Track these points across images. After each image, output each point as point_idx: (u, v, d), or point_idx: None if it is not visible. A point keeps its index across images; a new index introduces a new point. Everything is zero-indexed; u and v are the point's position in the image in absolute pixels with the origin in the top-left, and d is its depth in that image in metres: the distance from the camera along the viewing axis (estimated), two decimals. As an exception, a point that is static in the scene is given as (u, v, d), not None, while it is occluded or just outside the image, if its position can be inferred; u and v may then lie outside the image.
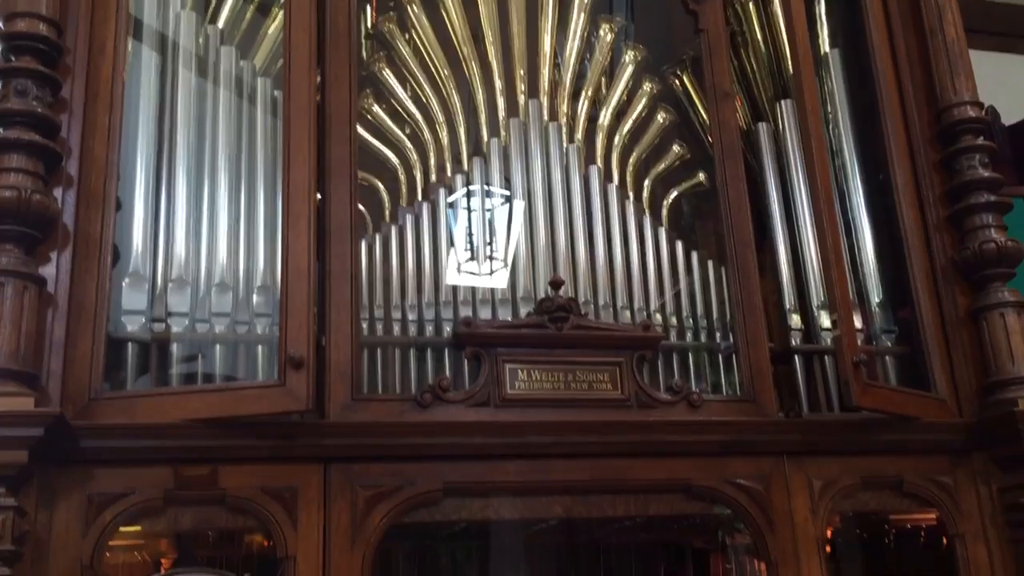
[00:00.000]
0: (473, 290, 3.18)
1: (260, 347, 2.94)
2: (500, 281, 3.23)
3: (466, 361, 3.04)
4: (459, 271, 3.20)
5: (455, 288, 3.18)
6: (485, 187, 3.31)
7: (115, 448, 2.63)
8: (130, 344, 2.82)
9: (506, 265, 3.25)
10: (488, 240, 3.27)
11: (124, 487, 2.64)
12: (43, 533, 2.54)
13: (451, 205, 3.28)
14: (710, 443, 3.10)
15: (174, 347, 2.87)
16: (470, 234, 3.26)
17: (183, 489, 2.68)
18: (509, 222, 3.32)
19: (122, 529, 2.67)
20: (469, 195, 3.30)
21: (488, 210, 3.30)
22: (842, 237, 3.34)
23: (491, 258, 3.24)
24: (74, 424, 2.57)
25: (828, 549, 3.27)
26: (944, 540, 3.39)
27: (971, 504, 3.26)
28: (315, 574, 2.70)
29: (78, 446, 2.59)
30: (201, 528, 2.88)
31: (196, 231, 2.98)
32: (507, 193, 3.34)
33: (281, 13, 3.04)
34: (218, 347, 2.91)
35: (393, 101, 3.49)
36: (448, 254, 3.21)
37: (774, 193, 3.60)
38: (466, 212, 3.28)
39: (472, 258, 3.23)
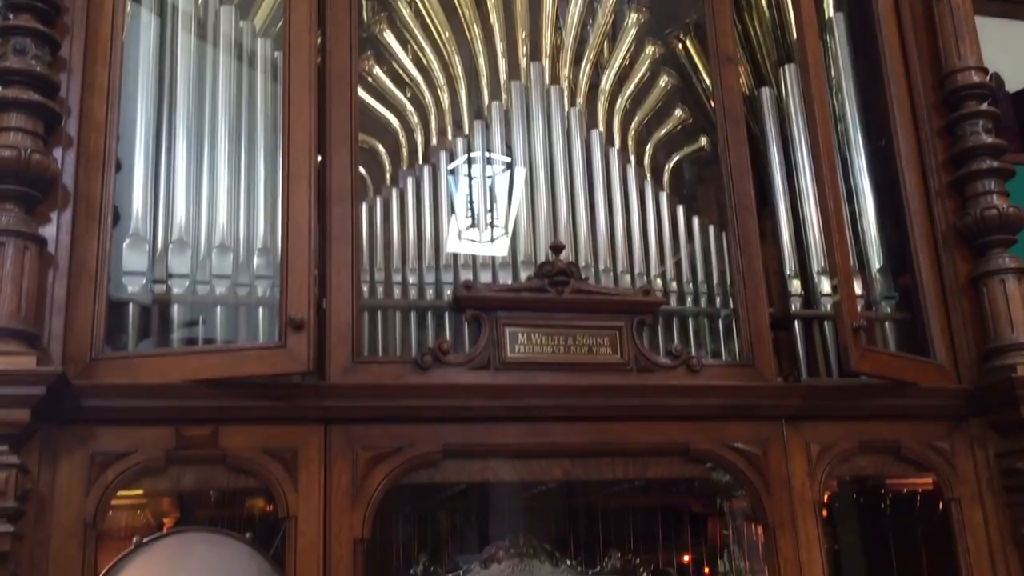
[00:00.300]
0: (474, 254, 3.17)
1: (261, 309, 2.95)
2: (500, 245, 3.23)
3: (466, 324, 3.05)
4: (460, 238, 3.20)
5: (459, 232, 3.17)
6: (486, 152, 3.30)
7: (117, 408, 2.64)
8: (131, 305, 2.83)
9: (507, 230, 3.25)
10: (489, 206, 3.26)
11: (126, 446, 2.66)
12: (46, 491, 2.56)
13: (452, 172, 3.27)
14: (709, 407, 3.11)
15: (175, 309, 2.88)
16: (471, 200, 3.25)
17: (185, 449, 2.70)
18: (510, 187, 3.31)
19: (123, 490, 2.68)
20: (470, 161, 3.29)
21: (489, 176, 3.29)
22: (843, 203, 3.34)
23: (491, 224, 3.23)
24: (76, 384, 2.59)
25: (825, 513, 3.30)
26: (940, 505, 3.42)
27: (968, 469, 3.29)
28: (316, 534, 2.73)
29: (80, 405, 2.60)
30: (203, 488, 2.90)
31: (196, 193, 2.97)
32: (508, 159, 3.33)
33: (281, -27, 3.02)
34: (219, 309, 2.92)
35: (394, 63, 3.47)
36: (449, 219, 3.20)
37: (776, 158, 3.59)
38: (467, 178, 3.27)
39: (473, 224, 3.22)
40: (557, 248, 3.13)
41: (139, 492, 2.99)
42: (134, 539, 2.81)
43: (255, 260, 2.97)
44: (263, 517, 3.20)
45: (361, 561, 2.75)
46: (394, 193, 3.19)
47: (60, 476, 2.59)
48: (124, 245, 2.85)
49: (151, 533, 2.90)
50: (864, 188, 3.62)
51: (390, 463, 2.84)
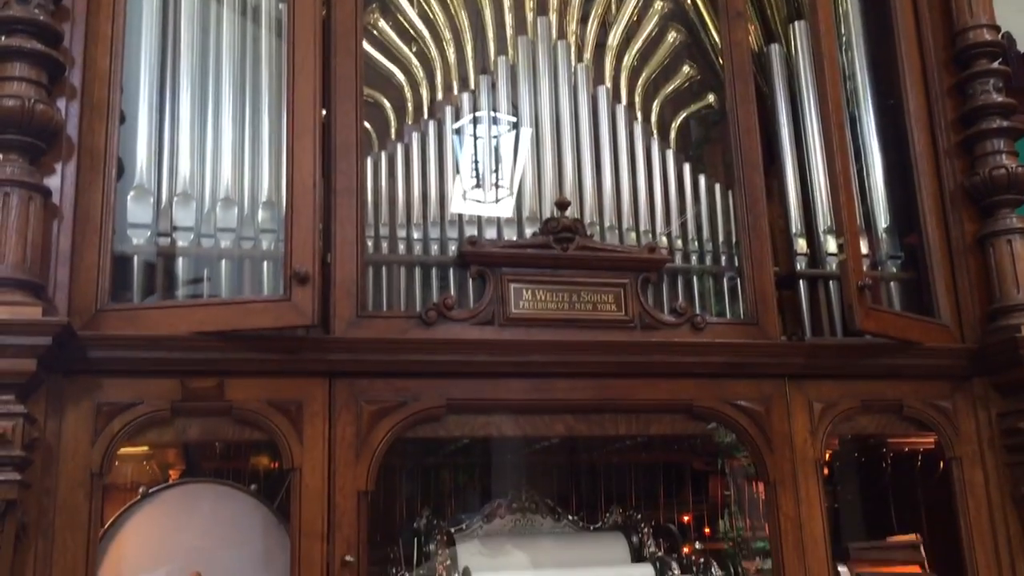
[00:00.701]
0: (481, 196, 3.17)
1: (265, 263, 2.95)
2: (506, 206, 3.22)
3: (471, 280, 3.05)
4: (464, 198, 3.19)
5: (464, 192, 3.17)
6: (491, 108, 3.28)
7: (122, 359, 2.65)
8: (136, 258, 2.83)
9: (511, 191, 3.24)
10: (494, 166, 3.25)
11: (132, 397, 2.67)
12: (52, 441, 2.57)
13: (457, 131, 3.24)
14: (712, 365, 3.12)
15: (179, 262, 2.88)
16: (476, 157, 3.23)
17: (190, 401, 2.71)
18: (516, 143, 3.29)
19: (129, 440, 2.70)
20: (475, 120, 3.26)
21: (494, 136, 3.27)
22: (851, 161, 3.31)
23: (497, 184, 3.22)
24: (81, 335, 2.59)
25: (826, 472, 3.31)
26: (941, 464, 3.44)
27: (969, 428, 3.30)
28: (320, 486, 2.75)
29: (86, 356, 2.61)
30: (208, 439, 2.92)
31: (201, 146, 2.96)
32: (513, 116, 3.30)
33: (285, -77, 2.98)
34: (223, 263, 2.92)
35: (400, 17, 3.43)
36: (454, 178, 3.19)
37: (784, 116, 3.57)
38: (472, 137, 3.25)
39: (478, 185, 3.21)
40: (562, 204, 3.12)
41: (145, 447, 3.03)
42: (140, 489, 2.85)
43: (260, 214, 2.96)
44: (268, 473, 3.24)
45: (365, 513, 2.77)
46: (399, 148, 3.17)
47: (66, 426, 2.60)
48: (128, 198, 2.84)
49: (157, 484, 2.94)
50: (872, 147, 3.61)
51: (394, 417, 2.86)
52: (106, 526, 2.72)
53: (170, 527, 2.85)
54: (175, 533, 2.84)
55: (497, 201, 3.21)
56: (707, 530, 3.70)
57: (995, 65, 3.47)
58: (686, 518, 3.74)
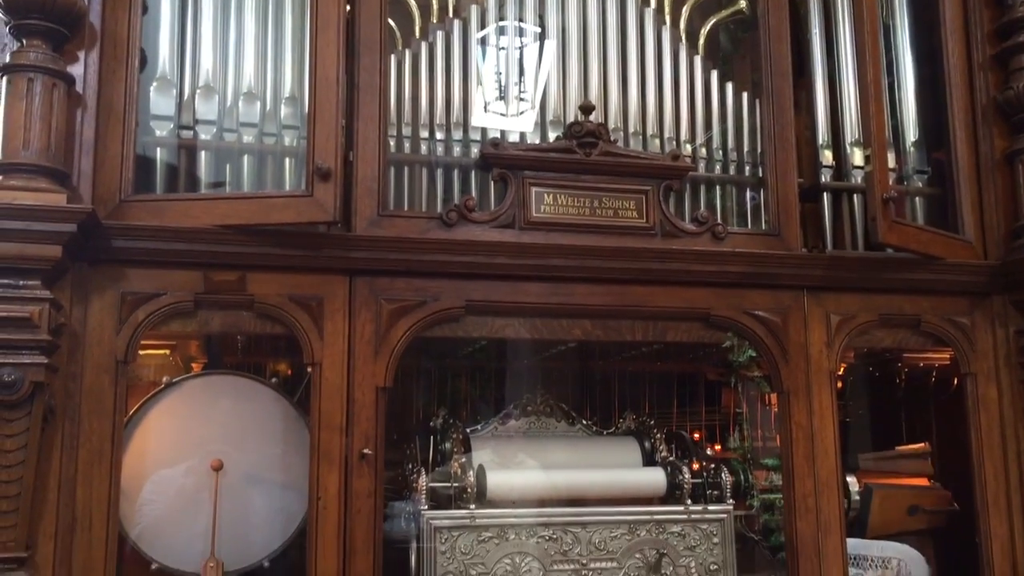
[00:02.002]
0: (503, 109, 3.14)
1: (287, 160, 2.95)
2: (528, 119, 3.18)
3: (492, 183, 3.04)
4: (486, 110, 3.15)
5: (485, 106, 3.14)
6: (517, 13, 3.21)
7: (146, 249, 2.68)
8: (159, 150, 2.83)
9: (535, 98, 3.19)
10: (519, 65, 3.20)
11: (156, 288, 2.71)
12: (78, 328, 2.62)
13: (482, 41, 3.18)
14: (732, 274, 3.12)
15: (202, 156, 2.88)
16: (499, 69, 3.18)
17: (213, 293, 2.74)
18: (541, 46, 3.24)
19: (153, 331, 2.74)
20: (501, 27, 3.20)
21: (519, 46, 3.21)
22: (883, 73, 3.25)
23: (520, 93, 3.18)
24: (105, 224, 2.62)
25: (840, 385, 3.34)
26: (955, 381, 3.45)
27: (986, 345, 3.30)
28: (340, 380, 2.79)
29: (110, 245, 2.64)
30: (230, 331, 2.96)
31: (223, 38, 2.94)
32: (539, 22, 3.24)
33: None
34: (246, 158, 2.91)
35: (426, -89, 3.35)
36: (477, 85, 3.14)
37: (817, 25, 3.48)
38: (496, 44, 3.19)
39: (501, 95, 3.16)
40: (587, 109, 3.09)
41: (168, 341, 3.08)
42: (164, 379, 2.90)
43: (282, 109, 2.95)
44: (286, 378, 3.29)
45: (383, 408, 2.82)
46: (423, 47, 3.13)
47: (92, 314, 2.65)
48: (151, 89, 2.83)
49: (180, 374, 2.99)
50: (905, 59, 3.54)
51: (413, 316, 2.89)
52: (131, 413, 2.78)
53: (192, 417, 2.92)
54: (197, 422, 2.91)
55: (520, 114, 3.18)
56: (718, 445, 3.74)
57: (1037, -26, 3.37)
58: (696, 435, 3.77)
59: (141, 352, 2.79)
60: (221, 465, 2.81)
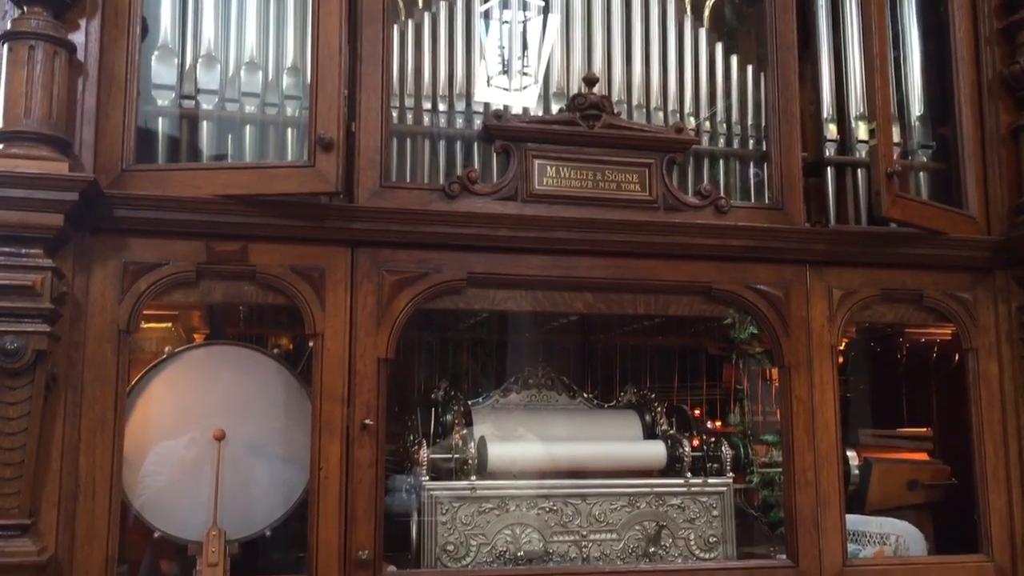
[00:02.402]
0: (506, 84, 3.12)
1: (289, 130, 2.94)
2: (531, 94, 3.16)
3: (495, 155, 3.03)
4: (489, 84, 3.13)
5: (488, 80, 3.12)
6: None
7: (148, 219, 2.67)
8: (160, 119, 2.82)
9: (538, 73, 3.17)
10: (523, 38, 3.18)
11: (158, 258, 2.71)
12: (80, 296, 2.63)
13: (485, 14, 3.16)
14: (734, 248, 3.11)
15: (203, 125, 2.87)
16: (503, 43, 3.15)
17: (215, 263, 2.74)
18: (545, 19, 3.21)
19: (155, 300, 2.74)
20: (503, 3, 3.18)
21: (525, 16, 3.18)
22: (889, 46, 3.23)
23: (523, 72, 3.16)
24: (107, 193, 2.61)
25: (840, 361, 3.34)
26: (956, 357, 3.45)
27: (988, 320, 3.30)
28: (341, 351, 2.80)
29: (112, 215, 2.64)
30: (232, 302, 2.96)
31: (225, 7, 2.92)
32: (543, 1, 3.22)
33: None
34: (248, 128, 2.90)
35: None
36: (481, 59, 3.12)
37: (822, -4, 3.46)
38: (500, 19, 3.17)
39: (504, 70, 3.14)
40: (591, 81, 3.07)
41: (170, 311, 3.08)
42: (166, 349, 2.91)
43: (284, 79, 2.93)
44: (287, 353, 3.29)
45: (384, 380, 2.83)
46: (426, 17, 3.11)
47: (94, 283, 2.65)
48: (153, 58, 2.82)
49: (182, 344, 3.00)
50: (911, 33, 3.51)
51: (415, 287, 2.89)
52: (133, 382, 2.78)
53: (194, 387, 2.92)
54: (199, 392, 2.91)
55: (523, 88, 3.16)
56: (719, 422, 3.75)
57: (1045, -55, 3.34)
58: (697, 412, 3.78)
59: (143, 325, 2.80)
60: (223, 435, 2.82)
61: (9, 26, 2.55)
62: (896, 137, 3.32)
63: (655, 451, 3.26)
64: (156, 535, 2.79)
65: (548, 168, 3.02)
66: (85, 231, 2.63)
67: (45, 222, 2.45)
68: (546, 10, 3.20)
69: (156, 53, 2.82)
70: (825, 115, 3.36)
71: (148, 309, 2.77)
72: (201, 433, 2.84)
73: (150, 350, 3.02)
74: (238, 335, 3.28)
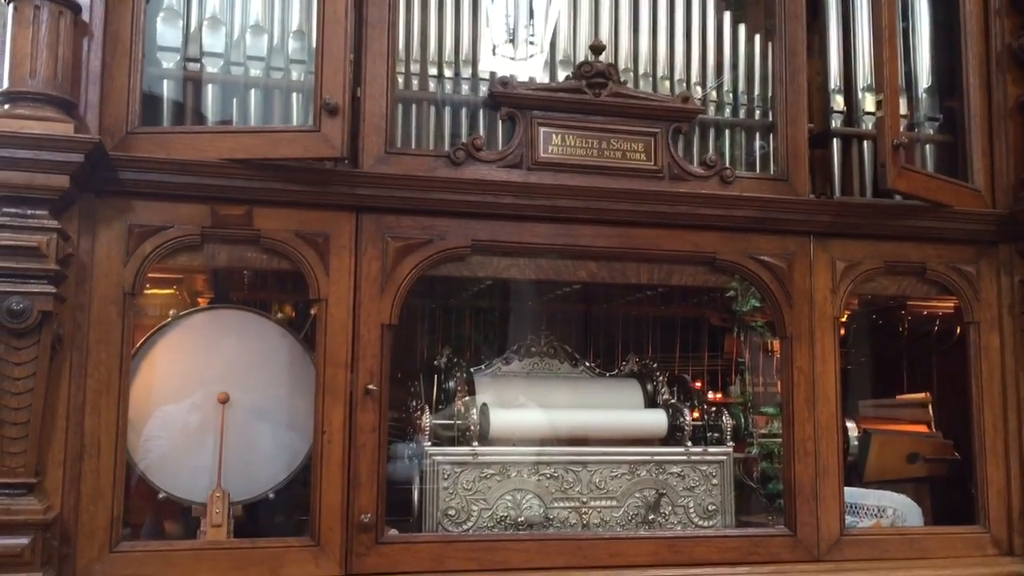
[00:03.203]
0: (512, 51, 3.11)
1: (295, 95, 2.93)
2: (539, 48, 3.15)
3: (500, 122, 3.02)
4: (494, 53, 3.11)
5: (494, 48, 3.11)
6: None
7: (153, 182, 2.67)
8: (165, 82, 2.81)
9: (544, 42, 3.16)
10: (529, 4, 3.16)
11: (163, 221, 2.71)
12: (86, 258, 2.63)
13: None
14: (738, 219, 3.11)
15: (208, 89, 2.86)
16: (508, 11, 3.14)
17: (219, 227, 2.74)
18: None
19: (160, 263, 2.75)
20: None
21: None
22: (898, 17, 3.21)
23: (529, 40, 3.14)
24: (112, 155, 2.61)
25: (842, 333, 3.35)
26: (957, 330, 3.46)
27: (991, 293, 3.31)
28: (345, 317, 2.81)
29: (117, 177, 2.64)
30: (236, 266, 2.97)
31: (230, -32, 2.90)
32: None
33: None
34: (253, 92, 2.89)
35: None
36: (487, 26, 3.11)
37: (832, -34, 3.43)
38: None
39: (511, 39, 3.13)
40: (597, 48, 3.06)
41: (175, 274, 3.09)
42: (171, 312, 2.92)
43: (290, 43, 2.92)
44: (291, 320, 3.29)
45: (388, 345, 2.84)
46: (433, -19, 3.09)
47: (99, 245, 2.65)
48: (158, 19, 2.81)
49: (186, 309, 3.01)
50: (920, 4, 3.49)
51: (419, 254, 2.89)
52: (137, 346, 2.80)
53: (199, 350, 2.93)
54: (204, 356, 2.93)
55: (529, 57, 3.14)
56: (719, 393, 3.77)
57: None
58: (698, 383, 3.79)
59: (148, 289, 2.81)
60: (228, 398, 2.84)
61: (14, -15, 2.54)
62: (903, 109, 3.30)
63: (656, 420, 3.28)
64: (160, 496, 2.81)
65: (553, 136, 3.02)
66: (90, 193, 2.63)
67: (51, 183, 2.45)
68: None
69: (161, 15, 2.81)
70: (832, 86, 3.35)
71: (153, 272, 2.77)
72: (204, 397, 2.85)
73: (154, 315, 3.03)
74: (242, 299, 3.29)
